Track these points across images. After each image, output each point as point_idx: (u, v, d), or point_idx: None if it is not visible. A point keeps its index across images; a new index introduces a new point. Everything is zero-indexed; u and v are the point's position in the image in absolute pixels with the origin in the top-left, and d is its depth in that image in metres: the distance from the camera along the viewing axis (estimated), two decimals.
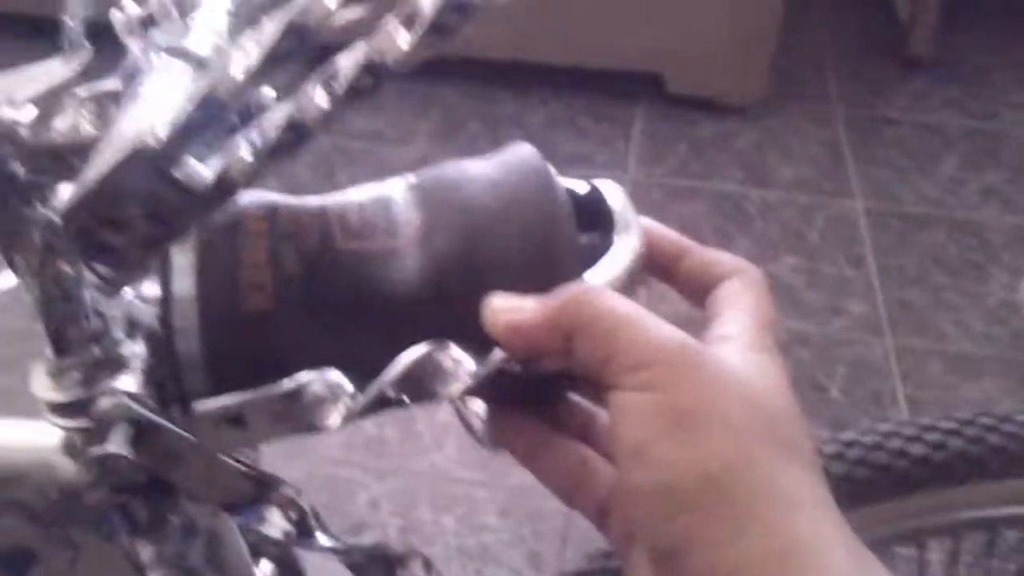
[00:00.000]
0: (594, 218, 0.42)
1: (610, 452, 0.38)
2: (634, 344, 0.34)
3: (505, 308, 0.37)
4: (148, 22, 0.38)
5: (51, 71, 0.38)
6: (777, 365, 0.36)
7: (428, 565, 0.45)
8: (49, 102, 0.37)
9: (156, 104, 0.32)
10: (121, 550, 0.45)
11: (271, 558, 0.60)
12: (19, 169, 0.37)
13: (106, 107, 0.37)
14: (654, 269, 0.42)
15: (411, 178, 0.42)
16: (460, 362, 0.38)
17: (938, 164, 2.42)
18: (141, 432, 0.40)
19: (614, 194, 0.42)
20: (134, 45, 0.38)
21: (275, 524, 0.42)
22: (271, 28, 0.30)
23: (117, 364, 0.43)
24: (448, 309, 0.39)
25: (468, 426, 0.52)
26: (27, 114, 0.36)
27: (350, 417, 0.38)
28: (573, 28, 2.47)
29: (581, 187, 0.43)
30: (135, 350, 0.43)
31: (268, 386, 0.38)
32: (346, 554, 0.44)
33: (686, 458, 0.32)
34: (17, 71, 0.38)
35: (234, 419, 0.38)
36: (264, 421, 0.38)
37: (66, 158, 0.37)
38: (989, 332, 1.88)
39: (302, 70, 0.32)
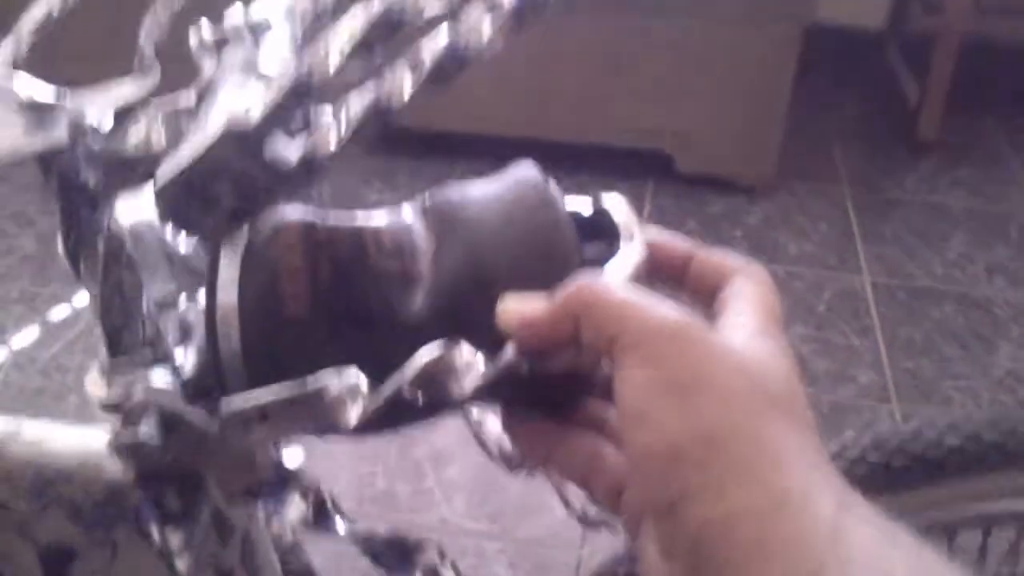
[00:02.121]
0: (600, 231, 0.45)
1: (619, 435, 0.40)
2: (637, 323, 0.36)
3: (517, 304, 0.39)
4: (221, 44, 0.41)
5: (124, 90, 0.42)
6: (780, 345, 0.38)
7: (443, 553, 0.48)
8: (123, 116, 0.40)
9: (247, 92, 0.34)
10: (155, 548, 0.47)
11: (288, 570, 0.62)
12: (91, 178, 0.40)
13: (179, 122, 0.40)
14: (664, 276, 0.44)
15: (422, 202, 0.45)
16: (472, 361, 0.40)
17: (945, 242, 2.46)
18: (170, 423, 0.42)
19: (617, 206, 0.45)
20: (208, 65, 0.41)
21: (296, 509, 0.44)
22: (363, 17, 0.32)
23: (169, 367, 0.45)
24: (461, 323, 0.41)
25: (482, 443, 0.55)
26: (106, 122, 0.39)
27: (367, 415, 0.40)
28: (584, 108, 2.53)
29: (586, 205, 0.46)
30: (186, 355, 0.46)
31: (291, 385, 0.40)
32: (364, 541, 0.46)
33: (684, 423, 0.34)
34: (93, 89, 0.42)
35: (259, 415, 0.40)
36: (287, 417, 0.40)
37: (137, 168, 0.39)
38: (996, 400, 1.90)
39: (388, 54, 0.33)
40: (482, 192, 0.44)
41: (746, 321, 0.39)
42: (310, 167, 0.34)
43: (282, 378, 0.40)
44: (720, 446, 0.34)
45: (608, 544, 0.82)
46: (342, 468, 1.70)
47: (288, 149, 0.33)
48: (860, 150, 2.91)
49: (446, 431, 1.76)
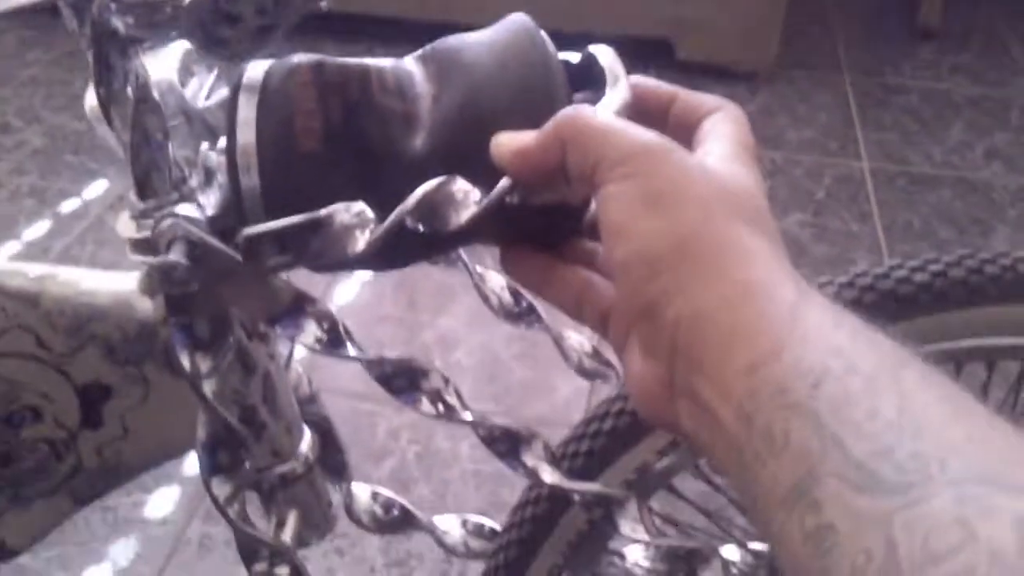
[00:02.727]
0: (588, 80, 0.47)
1: (605, 256, 0.43)
2: (618, 145, 0.39)
3: (509, 138, 0.43)
4: None
5: None
6: (749, 169, 0.41)
7: (447, 379, 0.52)
8: None
9: None
10: (184, 373, 0.50)
11: (316, 430, 0.66)
12: (120, 25, 0.43)
13: None
14: (649, 117, 0.46)
15: (421, 52, 0.48)
16: (468, 192, 0.43)
17: (945, 128, 2.48)
18: (196, 251, 0.46)
19: (605, 54, 0.48)
20: None
21: (310, 333, 0.48)
22: None
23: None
24: (459, 161, 0.44)
25: (485, 296, 0.59)
26: None
27: (374, 241, 0.43)
28: None
29: (574, 56, 0.49)
30: (209, 198, 0.49)
31: (302, 215, 0.43)
32: (374, 365, 0.50)
33: (658, 228, 0.37)
34: None
35: (276, 240, 0.44)
36: (300, 243, 0.44)
37: (163, 11, 0.42)
38: None
39: None
40: (477, 39, 0.47)
41: (719, 149, 0.42)
42: None
43: (297, 212, 0.44)
44: (692, 249, 0.37)
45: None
46: None
47: None
48: (861, 37, 2.90)
49: (452, 316, 1.81)
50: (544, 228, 0.48)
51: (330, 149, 0.45)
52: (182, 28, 0.41)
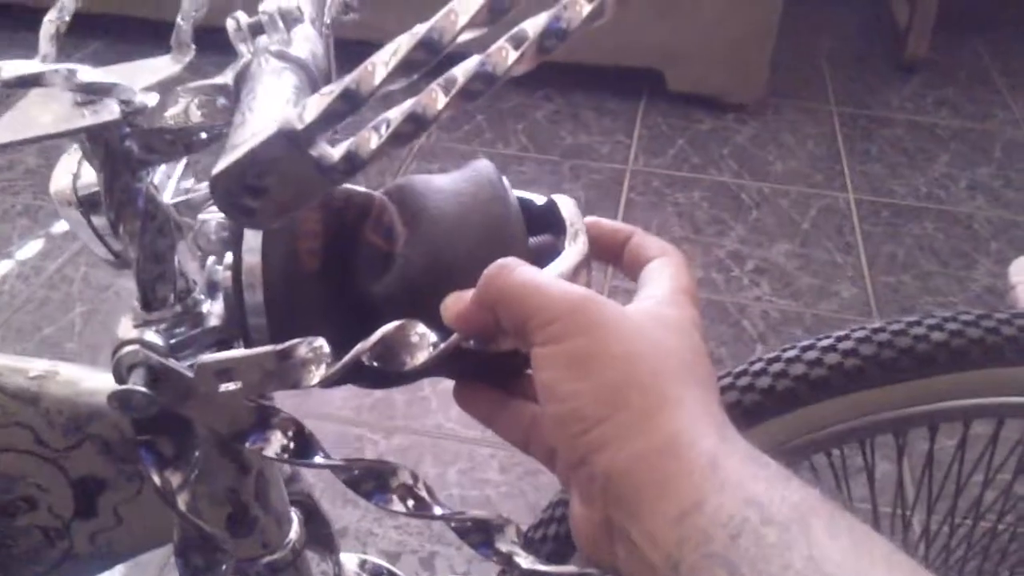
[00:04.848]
0: (549, 223, 0.50)
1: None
2: (542, 305, 0.41)
3: (453, 301, 0.45)
4: (256, 30, 0.45)
5: (161, 66, 0.46)
6: (684, 312, 0.43)
7: (416, 476, 0.53)
8: (163, 92, 0.44)
9: (285, 82, 0.39)
10: (156, 489, 0.51)
11: (301, 508, 0.68)
12: (134, 147, 0.45)
13: (215, 99, 0.44)
14: (604, 254, 0.50)
15: (388, 190, 0.50)
16: (425, 336, 0.45)
17: (930, 161, 2.51)
18: (156, 375, 0.47)
19: (566, 205, 0.50)
20: (243, 49, 0.45)
21: (276, 443, 0.49)
22: (408, 40, 0.36)
23: (195, 318, 0.50)
24: (420, 303, 0.46)
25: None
26: (153, 99, 0.43)
27: (329, 377, 0.45)
28: None
29: (539, 199, 0.51)
30: (213, 308, 0.51)
31: (262, 348, 0.45)
32: (341, 469, 0.51)
33: (584, 389, 0.39)
34: (131, 65, 0.46)
35: (226, 371, 0.46)
36: (255, 375, 0.45)
37: (175, 140, 0.44)
38: None
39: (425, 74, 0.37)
40: (441, 186, 0.49)
41: (656, 292, 0.45)
42: (352, 163, 0.37)
43: (297, 327, 0.46)
44: (618, 404, 0.39)
45: None
46: None
47: (332, 149, 0.37)
48: (849, 69, 2.94)
49: None
50: (496, 367, 0.50)
51: (326, 269, 0.47)
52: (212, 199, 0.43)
